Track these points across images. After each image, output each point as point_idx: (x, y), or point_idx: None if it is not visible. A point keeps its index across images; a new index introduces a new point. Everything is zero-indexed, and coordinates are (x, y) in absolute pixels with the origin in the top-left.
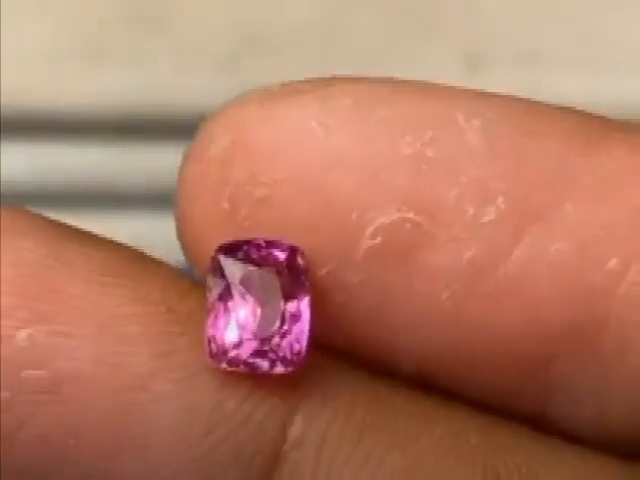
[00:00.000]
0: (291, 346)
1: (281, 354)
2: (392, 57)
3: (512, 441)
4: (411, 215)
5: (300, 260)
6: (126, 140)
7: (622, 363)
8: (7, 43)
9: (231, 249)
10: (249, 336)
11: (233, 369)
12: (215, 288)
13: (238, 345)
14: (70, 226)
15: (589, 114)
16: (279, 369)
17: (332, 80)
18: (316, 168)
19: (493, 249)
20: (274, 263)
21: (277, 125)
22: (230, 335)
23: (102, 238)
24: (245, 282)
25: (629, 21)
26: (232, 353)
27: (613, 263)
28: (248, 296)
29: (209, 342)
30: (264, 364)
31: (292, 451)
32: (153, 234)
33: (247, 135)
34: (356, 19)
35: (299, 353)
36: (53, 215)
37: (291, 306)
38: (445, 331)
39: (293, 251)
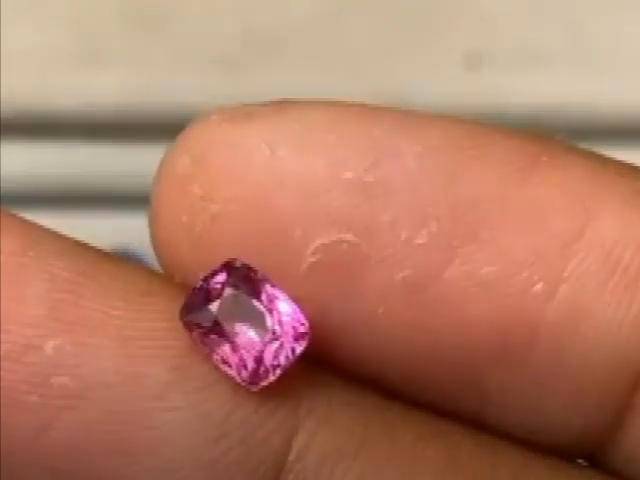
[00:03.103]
0: (294, 329)
1: (289, 341)
2: (392, 57)
3: (502, 455)
4: (349, 236)
5: (250, 275)
6: (126, 140)
7: (552, 379)
8: (7, 43)
9: (198, 291)
10: (259, 349)
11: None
12: (203, 322)
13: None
14: (93, 246)
15: (529, 136)
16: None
17: (285, 105)
18: (263, 188)
19: (425, 270)
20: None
21: (231, 146)
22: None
23: (122, 259)
24: (225, 313)
25: (629, 21)
26: (269, 365)
27: (539, 287)
28: (235, 323)
29: (240, 367)
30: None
31: (296, 462)
32: None
33: (205, 154)
34: (356, 19)
35: (303, 325)
36: (53, 215)
37: (267, 301)
38: (383, 343)
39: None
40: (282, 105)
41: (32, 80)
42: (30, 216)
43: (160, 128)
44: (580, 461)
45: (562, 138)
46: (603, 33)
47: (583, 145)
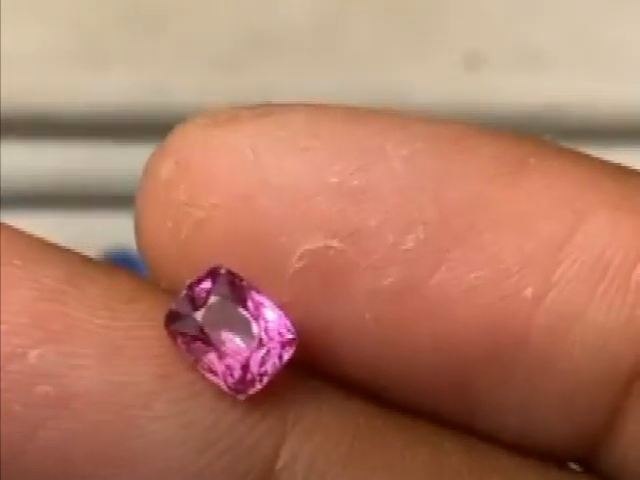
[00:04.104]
0: (280, 336)
1: (276, 347)
2: (392, 57)
3: (490, 460)
4: (335, 242)
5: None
6: (126, 140)
7: (542, 383)
8: (7, 43)
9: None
10: (246, 355)
11: (258, 389)
12: (189, 330)
13: (261, 363)
14: (79, 254)
15: (517, 138)
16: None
17: (269, 108)
18: (247, 193)
19: (412, 275)
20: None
21: (215, 151)
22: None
23: (110, 266)
24: (211, 321)
25: (629, 22)
26: (256, 373)
27: (529, 291)
28: (221, 331)
29: (227, 375)
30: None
31: (284, 470)
32: None
33: (189, 159)
34: (356, 19)
35: (290, 331)
36: (53, 215)
37: (253, 310)
38: (371, 348)
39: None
40: (267, 109)
41: (32, 80)
42: (30, 216)
43: (160, 128)
44: (572, 465)
45: (551, 139)
46: (603, 33)
47: (583, 145)
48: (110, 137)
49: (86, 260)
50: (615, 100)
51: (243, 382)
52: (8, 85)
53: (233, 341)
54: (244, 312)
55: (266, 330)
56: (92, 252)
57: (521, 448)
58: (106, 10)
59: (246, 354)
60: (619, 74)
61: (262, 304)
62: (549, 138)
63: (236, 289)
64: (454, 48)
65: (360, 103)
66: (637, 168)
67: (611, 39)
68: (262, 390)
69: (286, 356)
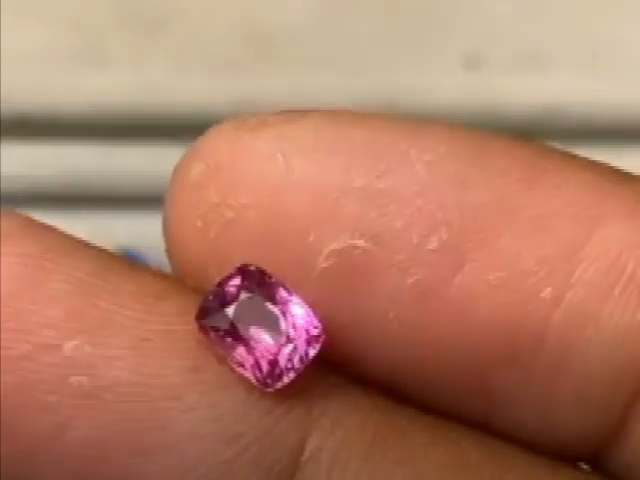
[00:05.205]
0: (307, 332)
1: (303, 344)
2: (392, 57)
3: (509, 458)
4: (361, 242)
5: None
6: (126, 141)
7: (557, 382)
8: (7, 43)
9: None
10: (274, 351)
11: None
12: (220, 325)
13: (289, 359)
14: (104, 249)
15: (531, 144)
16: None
17: (298, 113)
18: (277, 195)
19: (435, 275)
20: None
21: (245, 154)
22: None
23: (135, 263)
24: (241, 317)
25: (629, 22)
26: (284, 366)
27: (547, 292)
28: (250, 327)
29: (255, 369)
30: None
31: (308, 463)
32: (153, 235)
33: (219, 162)
34: (356, 20)
35: (317, 328)
36: (52, 215)
37: (282, 307)
38: (393, 346)
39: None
40: (295, 114)
41: (32, 80)
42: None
43: (160, 128)
44: (582, 465)
45: (551, 142)
46: (603, 34)
47: (583, 146)
48: (110, 137)
49: (113, 256)
50: (615, 100)
51: (271, 376)
52: (8, 85)
53: (262, 336)
54: (273, 308)
55: (294, 326)
56: None
57: (536, 446)
58: (106, 10)
59: (274, 349)
60: (619, 74)
61: (290, 301)
62: (549, 139)
63: (265, 286)
64: (454, 49)
65: (360, 103)
66: (637, 168)
67: (611, 39)
68: (289, 384)
69: (312, 352)
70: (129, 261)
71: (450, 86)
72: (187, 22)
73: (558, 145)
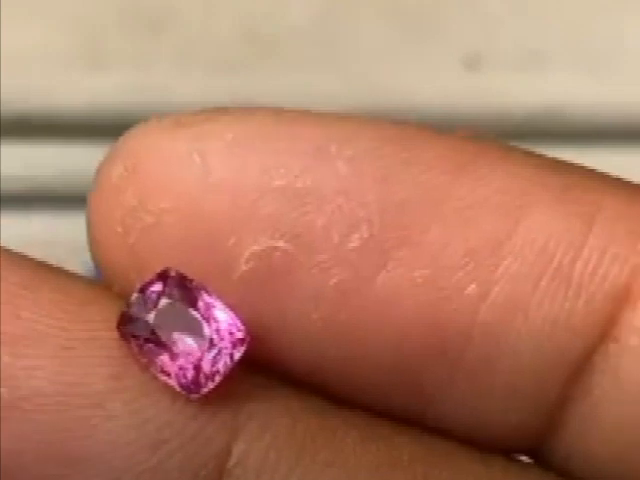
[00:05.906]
0: (231, 336)
1: (228, 346)
2: (392, 57)
3: (443, 455)
4: (281, 243)
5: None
6: None
7: (488, 376)
8: (7, 43)
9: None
10: (198, 356)
11: (210, 388)
12: (141, 333)
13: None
14: (34, 259)
15: (461, 137)
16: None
17: (216, 112)
18: (194, 197)
19: (357, 274)
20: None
21: (163, 155)
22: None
23: (64, 270)
24: (162, 323)
25: (629, 22)
26: (208, 372)
27: (472, 288)
28: (172, 333)
29: (180, 376)
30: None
31: (235, 468)
32: None
33: (138, 164)
34: (356, 20)
35: (241, 330)
36: (52, 215)
37: (204, 310)
38: (318, 347)
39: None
40: (213, 113)
41: (32, 80)
42: (30, 216)
43: None
44: (523, 457)
45: (560, 146)
46: (603, 33)
47: (583, 145)
48: (110, 137)
49: (41, 264)
50: (615, 100)
51: (196, 382)
52: (8, 85)
53: (185, 342)
54: (195, 313)
55: (217, 330)
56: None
57: (472, 441)
58: (106, 10)
59: (198, 355)
60: (619, 74)
61: (213, 305)
62: (549, 139)
63: (186, 291)
64: (454, 48)
65: (360, 103)
66: (637, 168)
67: (611, 39)
68: (214, 389)
69: (237, 355)
70: (59, 269)
71: (450, 86)
72: (188, 22)
73: (558, 145)
